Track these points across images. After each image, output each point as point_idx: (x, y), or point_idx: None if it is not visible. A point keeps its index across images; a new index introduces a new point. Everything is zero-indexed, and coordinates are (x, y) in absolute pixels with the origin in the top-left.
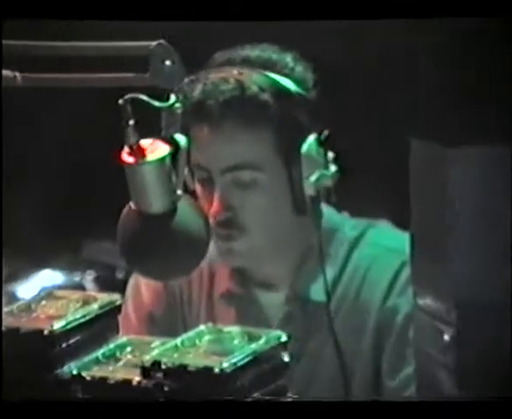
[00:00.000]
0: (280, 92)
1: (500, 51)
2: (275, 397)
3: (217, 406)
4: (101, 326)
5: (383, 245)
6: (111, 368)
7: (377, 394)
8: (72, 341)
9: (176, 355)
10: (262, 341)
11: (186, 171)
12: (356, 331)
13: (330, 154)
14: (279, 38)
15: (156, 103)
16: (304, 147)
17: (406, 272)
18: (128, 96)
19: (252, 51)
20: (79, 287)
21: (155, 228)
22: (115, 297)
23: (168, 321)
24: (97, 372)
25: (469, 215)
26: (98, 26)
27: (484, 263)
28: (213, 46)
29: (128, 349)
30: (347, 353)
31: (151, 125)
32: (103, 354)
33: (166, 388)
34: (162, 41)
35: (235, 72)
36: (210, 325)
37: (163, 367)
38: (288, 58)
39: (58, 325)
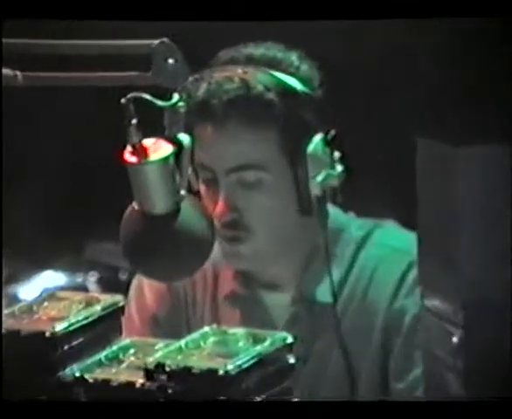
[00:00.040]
0: (286, 91)
1: (500, 51)
2: (281, 397)
3: (222, 406)
4: (104, 327)
5: (389, 245)
6: (114, 371)
7: (384, 395)
8: (74, 343)
9: (179, 357)
10: (267, 343)
11: (190, 171)
12: (363, 331)
13: (336, 154)
14: (279, 38)
15: (159, 102)
16: (310, 147)
17: (413, 273)
18: (130, 95)
19: (257, 50)
20: (82, 288)
21: (158, 228)
22: (118, 298)
23: (171, 323)
24: (100, 374)
25: (472, 215)
26: (99, 24)
27: (488, 263)
28: (215, 46)
29: (132, 351)
30: (354, 354)
31: (154, 124)
32: (106, 356)
33: (170, 391)
34: (164, 39)
35: (239, 70)
36: (214, 326)
37: (167, 369)
38: (294, 57)
39: (60, 326)
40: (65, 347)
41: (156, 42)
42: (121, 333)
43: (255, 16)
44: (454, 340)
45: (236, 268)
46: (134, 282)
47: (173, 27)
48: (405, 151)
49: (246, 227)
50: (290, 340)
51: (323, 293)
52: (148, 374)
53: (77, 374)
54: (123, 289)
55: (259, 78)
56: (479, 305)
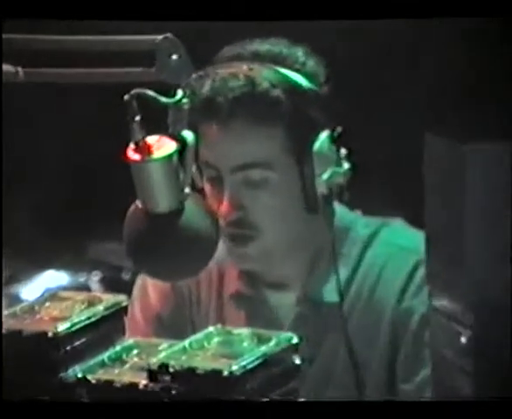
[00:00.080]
0: (292, 87)
1: (500, 51)
2: (286, 398)
3: (227, 408)
4: (107, 327)
5: (397, 244)
6: (117, 371)
7: (391, 395)
8: (77, 344)
9: (184, 358)
10: (272, 343)
11: (194, 169)
12: (370, 330)
13: (343, 151)
14: (281, 36)
15: (163, 99)
16: (316, 145)
17: (421, 272)
18: (134, 91)
19: (262, 46)
20: (85, 288)
21: (162, 227)
22: (121, 298)
23: (176, 323)
24: (102, 375)
25: (480, 215)
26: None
27: (497, 262)
28: (215, 46)
29: (135, 352)
30: (360, 354)
31: (158, 121)
32: (109, 357)
33: (173, 392)
34: (168, 35)
35: (245, 67)
36: (219, 326)
37: (171, 370)
38: (299, 53)
39: (62, 327)
40: (68, 348)
41: (160, 37)
42: (124, 334)
43: (255, 16)
44: (463, 340)
45: (242, 268)
46: (138, 282)
47: (173, 27)
48: (412, 148)
49: (252, 226)
50: (296, 340)
51: (330, 293)
52: (152, 374)
53: (79, 375)
54: (126, 289)
55: (265, 75)
56: (487, 305)
